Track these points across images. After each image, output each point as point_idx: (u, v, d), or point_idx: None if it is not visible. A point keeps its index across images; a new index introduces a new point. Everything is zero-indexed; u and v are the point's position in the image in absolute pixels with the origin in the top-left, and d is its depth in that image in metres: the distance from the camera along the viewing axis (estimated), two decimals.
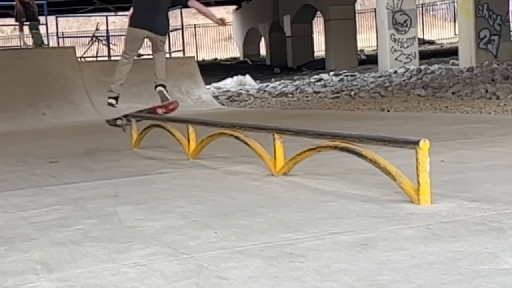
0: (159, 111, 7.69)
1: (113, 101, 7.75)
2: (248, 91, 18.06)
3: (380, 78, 17.54)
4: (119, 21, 36.24)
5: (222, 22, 7.69)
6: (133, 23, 7.65)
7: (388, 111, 11.09)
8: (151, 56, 8.00)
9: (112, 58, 17.08)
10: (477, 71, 15.18)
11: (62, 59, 14.51)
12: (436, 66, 18.00)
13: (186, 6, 7.70)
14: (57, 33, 19.68)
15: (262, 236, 3.23)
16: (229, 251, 3.01)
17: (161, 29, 7.60)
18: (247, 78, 20.51)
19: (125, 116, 7.75)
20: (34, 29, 16.02)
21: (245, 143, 5.32)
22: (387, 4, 20.08)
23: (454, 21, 31.24)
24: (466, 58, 17.60)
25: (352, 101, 13.59)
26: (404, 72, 17.92)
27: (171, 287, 2.59)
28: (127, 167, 6.09)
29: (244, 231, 3.37)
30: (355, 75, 19.27)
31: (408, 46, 20.33)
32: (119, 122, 7.73)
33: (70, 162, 6.75)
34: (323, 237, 3.15)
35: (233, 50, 38.26)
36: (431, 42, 31.56)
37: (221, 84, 19.91)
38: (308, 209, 3.79)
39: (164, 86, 7.61)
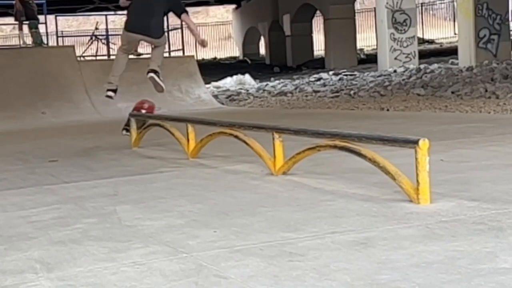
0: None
1: (111, 93, 7.83)
2: (247, 90, 18.05)
3: (380, 77, 17.53)
4: (119, 20, 36.14)
5: (203, 43, 7.72)
6: (127, 27, 7.69)
7: (388, 110, 11.09)
8: (150, 56, 8.01)
9: (112, 57, 17.04)
10: (477, 70, 15.18)
11: (62, 58, 14.51)
12: (435, 66, 17.99)
13: (179, 17, 7.72)
14: (57, 32, 19.68)
15: (262, 235, 3.23)
16: (228, 250, 3.01)
17: (156, 32, 7.61)
18: (247, 77, 20.48)
19: (127, 124, 7.75)
20: (33, 28, 16.03)
21: (245, 142, 5.32)
22: (387, 3, 20.07)
23: (454, 20, 31.23)
24: (466, 58, 17.61)
25: (351, 100, 13.58)
26: (404, 71, 17.91)
27: (171, 286, 2.58)
28: (127, 166, 6.09)
29: (243, 230, 3.37)
30: (355, 74, 19.26)
31: (407, 46, 20.32)
32: (123, 133, 7.77)
33: (70, 161, 6.76)
34: (323, 236, 3.15)
35: (232, 49, 38.25)
36: (431, 42, 31.54)
37: (220, 83, 19.89)
38: (307, 208, 3.79)
39: (155, 72, 7.59)
